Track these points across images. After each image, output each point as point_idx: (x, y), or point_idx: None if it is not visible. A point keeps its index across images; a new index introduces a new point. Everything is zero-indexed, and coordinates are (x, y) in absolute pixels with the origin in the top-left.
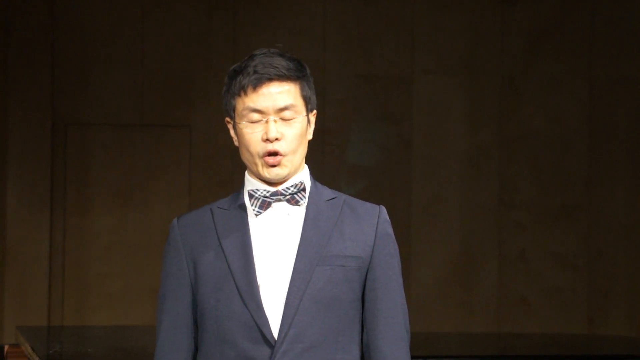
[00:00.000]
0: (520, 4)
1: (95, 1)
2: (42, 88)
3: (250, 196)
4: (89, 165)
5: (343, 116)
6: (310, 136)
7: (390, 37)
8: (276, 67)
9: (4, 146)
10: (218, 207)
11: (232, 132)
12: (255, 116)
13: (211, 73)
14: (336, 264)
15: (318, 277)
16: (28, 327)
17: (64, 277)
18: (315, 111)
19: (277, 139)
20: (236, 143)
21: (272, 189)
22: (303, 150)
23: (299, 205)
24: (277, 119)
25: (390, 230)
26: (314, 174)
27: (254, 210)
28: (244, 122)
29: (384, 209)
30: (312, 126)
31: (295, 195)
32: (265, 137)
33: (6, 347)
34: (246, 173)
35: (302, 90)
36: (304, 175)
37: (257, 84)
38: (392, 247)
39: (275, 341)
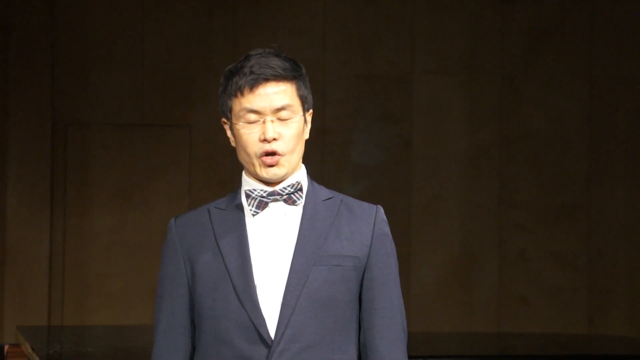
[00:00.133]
0: (520, 3)
1: (95, 1)
2: (42, 88)
3: (247, 196)
4: (89, 165)
5: (343, 116)
6: (307, 135)
7: (390, 37)
8: (272, 67)
9: (4, 146)
10: (215, 207)
11: (228, 133)
12: (252, 117)
13: (211, 73)
14: (333, 264)
15: (315, 276)
16: (28, 327)
17: (64, 277)
18: (311, 110)
19: (274, 139)
20: (233, 144)
21: (269, 189)
22: (300, 149)
23: (296, 205)
24: (274, 119)
25: (387, 229)
26: (314, 174)
27: (251, 210)
28: (241, 123)
29: (381, 209)
30: (309, 125)
31: (292, 195)
32: (262, 138)
33: (6, 347)
34: (243, 173)
35: (298, 89)
36: (301, 175)
37: (253, 85)
38: (389, 247)
39: (272, 341)
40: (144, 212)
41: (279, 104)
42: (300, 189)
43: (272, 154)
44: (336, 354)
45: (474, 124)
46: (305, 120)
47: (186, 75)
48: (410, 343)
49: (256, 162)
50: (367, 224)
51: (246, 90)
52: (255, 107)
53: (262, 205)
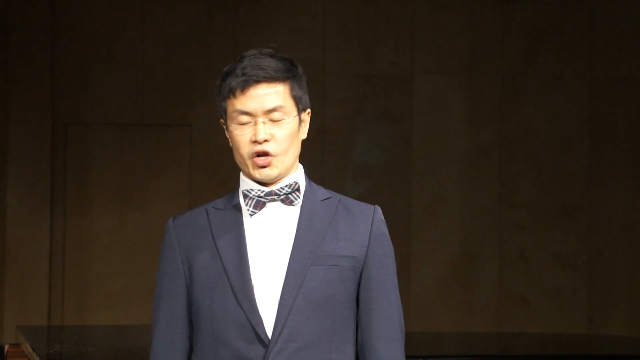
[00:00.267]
0: (520, 3)
1: (95, 1)
2: (42, 88)
3: (245, 196)
4: (89, 165)
5: (343, 116)
6: (304, 135)
7: (390, 37)
8: (264, 68)
9: (4, 146)
10: (213, 208)
11: (226, 133)
12: (244, 118)
13: (211, 73)
14: (330, 264)
15: (312, 276)
16: (28, 327)
17: (64, 277)
18: (309, 110)
19: (266, 140)
20: (230, 144)
21: (267, 189)
22: (295, 150)
23: (294, 205)
24: (265, 121)
25: (385, 230)
26: (314, 174)
27: (248, 210)
28: (234, 124)
29: (378, 209)
30: (306, 125)
31: (289, 195)
32: (253, 139)
33: (6, 347)
34: (241, 173)
35: (292, 90)
36: (298, 175)
37: (244, 87)
38: (386, 247)
39: (269, 340)
40: (144, 212)
41: (270, 106)
42: (298, 189)
43: (264, 154)
44: (333, 353)
45: (474, 124)
46: (300, 121)
47: (186, 75)
48: (410, 343)
49: (249, 163)
50: (365, 224)
51: (238, 92)
52: (247, 108)
53: (259, 205)
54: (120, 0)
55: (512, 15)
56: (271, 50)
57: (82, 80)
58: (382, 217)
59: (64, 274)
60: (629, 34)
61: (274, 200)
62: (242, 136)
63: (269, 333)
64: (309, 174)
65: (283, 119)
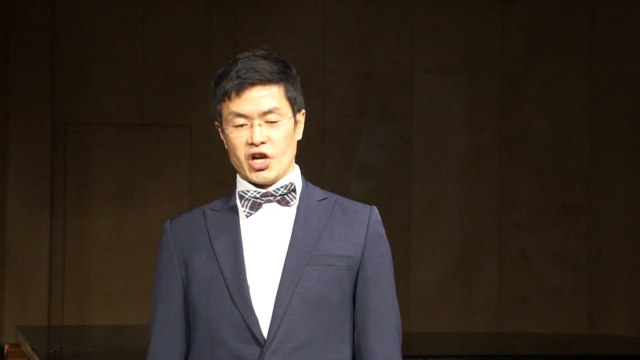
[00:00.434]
0: (520, 3)
1: (95, 1)
2: (42, 88)
3: (241, 197)
4: (89, 165)
5: (343, 116)
6: (299, 136)
7: (390, 37)
8: (259, 71)
9: (4, 146)
10: (210, 209)
11: (221, 136)
12: (240, 120)
13: (211, 73)
14: (326, 264)
15: (308, 276)
16: (28, 327)
17: (64, 277)
18: (304, 111)
19: (262, 142)
20: (226, 146)
21: (263, 190)
22: (291, 151)
23: (290, 206)
24: (261, 123)
25: (381, 230)
26: (314, 174)
27: (244, 211)
28: (229, 127)
29: (375, 209)
30: (302, 126)
31: (285, 196)
32: (250, 142)
33: (6, 347)
34: (237, 175)
35: (286, 91)
36: (294, 176)
37: (239, 89)
38: (383, 247)
39: (265, 340)
40: (144, 212)
41: (265, 108)
42: (294, 190)
43: (261, 157)
44: (329, 353)
45: (474, 124)
46: (295, 122)
47: (186, 75)
48: (410, 343)
49: (246, 165)
50: (361, 224)
51: (233, 95)
52: (242, 111)
53: (255, 206)
54: (120, 0)
55: (512, 15)
56: (265, 52)
57: (82, 80)
58: (379, 217)
59: (64, 274)
60: (629, 34)
61: (270, 201)
62: (238, 139)
63: (265, 333)
64: (309, 174)
65: (279, 121)
